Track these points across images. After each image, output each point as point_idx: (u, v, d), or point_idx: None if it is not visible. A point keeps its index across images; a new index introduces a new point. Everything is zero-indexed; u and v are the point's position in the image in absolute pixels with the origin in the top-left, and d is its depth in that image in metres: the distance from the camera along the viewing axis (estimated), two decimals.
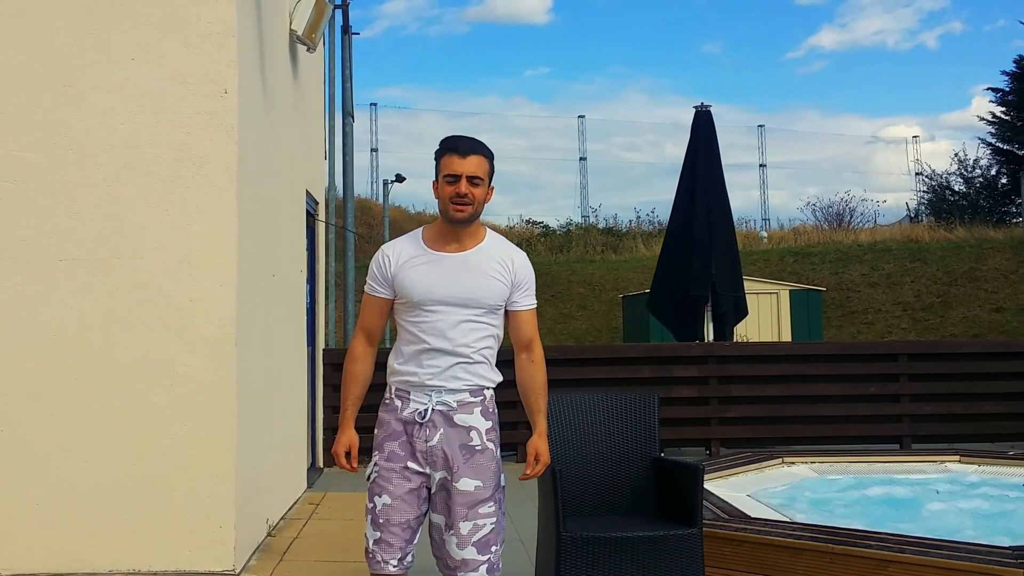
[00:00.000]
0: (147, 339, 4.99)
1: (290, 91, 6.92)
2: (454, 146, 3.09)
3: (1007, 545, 4.03)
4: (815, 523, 4.68)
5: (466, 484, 3.06)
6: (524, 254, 3.25)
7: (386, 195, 21.78)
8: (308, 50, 7.05)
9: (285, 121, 6.72)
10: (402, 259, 3.14)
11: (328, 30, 10.74)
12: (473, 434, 3.10)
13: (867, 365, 9.23)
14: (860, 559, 4.03)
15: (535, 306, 3.23)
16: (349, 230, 11.79)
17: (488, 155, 3.12)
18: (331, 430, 8.65)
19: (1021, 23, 33.76)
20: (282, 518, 6.38)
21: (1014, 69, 31.12)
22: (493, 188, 3.16)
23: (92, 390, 4.97)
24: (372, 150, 40.93)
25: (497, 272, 3.12)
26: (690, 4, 68.23)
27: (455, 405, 3.10)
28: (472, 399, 3.11)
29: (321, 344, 8.78)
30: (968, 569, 3.80)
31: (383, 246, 3.25)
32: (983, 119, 32.39)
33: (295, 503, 6.95)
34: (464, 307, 3.08)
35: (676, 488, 4.12)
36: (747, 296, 10.07)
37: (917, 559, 3.92)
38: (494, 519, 3.09)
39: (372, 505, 3.15)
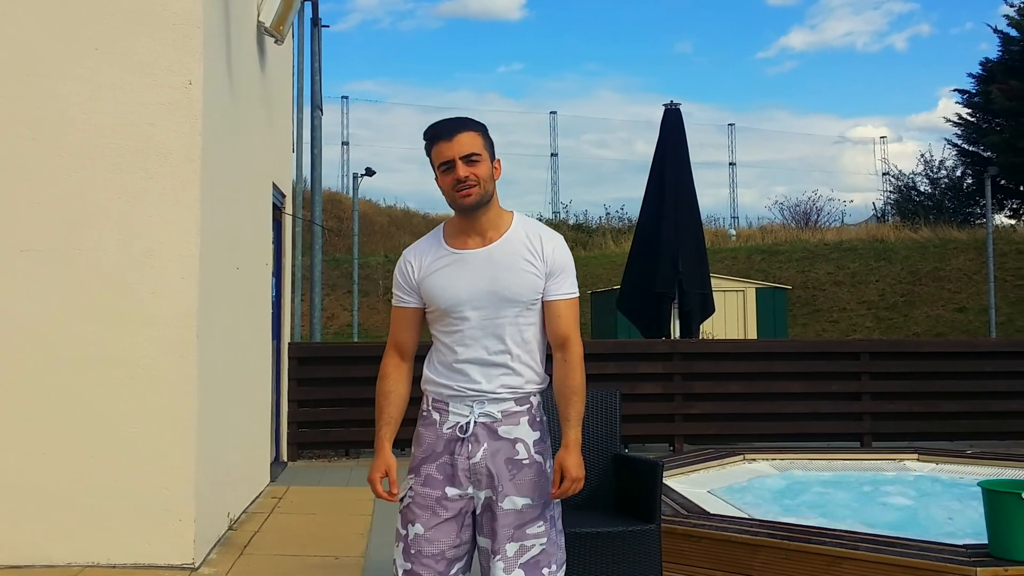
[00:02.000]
0: (107, 331, 4.95)
1: (257, 83, 6.88)
2: (437, 133, 2.78)
3: (961, 543, 4.10)
4: (772, 520, 4.73)
5: (512, 503, 2.75)
6: (559, 236, 2.87)
7: (355, 189, 21.65)
8: (276, 42, 7.01)
9: (252, 113, 6.67)
10: (425, 263, 2.83)
11: (297, 22, 10.68)
12: (520, 447, 2.78)
13: (829, 363, 9.33)
14: (815, 555, 4.08)
15: (574, 295, 2.84)
16: (316, 223, 11.74)
17: (479, 128, 2.80)
18: (295, 424, 8.63)
19: (988, 26, 34.20)
20: (244, 512, 6.36)
21: (980, 72, 31.53)
22: (500, 161, 2.83)
23: (51, 382, 4.93)
24: (343, 143, 40.67)
25: (527, 262, 2.77)
26: (663, 2, 68.49)
27: (499, 416, 2.78)
28: (518, 408, 2.80)
29: (287, 338, 8.74)
30: (922, 567, 3.85)
31: (405, 251, 2.93)
32: (949, 121, 32.80)
33: (257, 497, 6.92)
34: (496, 309, 2.76)
35: (636, 484, 4.15)
36: (714, 294, 10.15)
37: (871, 556, 3.98)
38: (544, 539, 2.77)
39: (404, 532, 2.82)
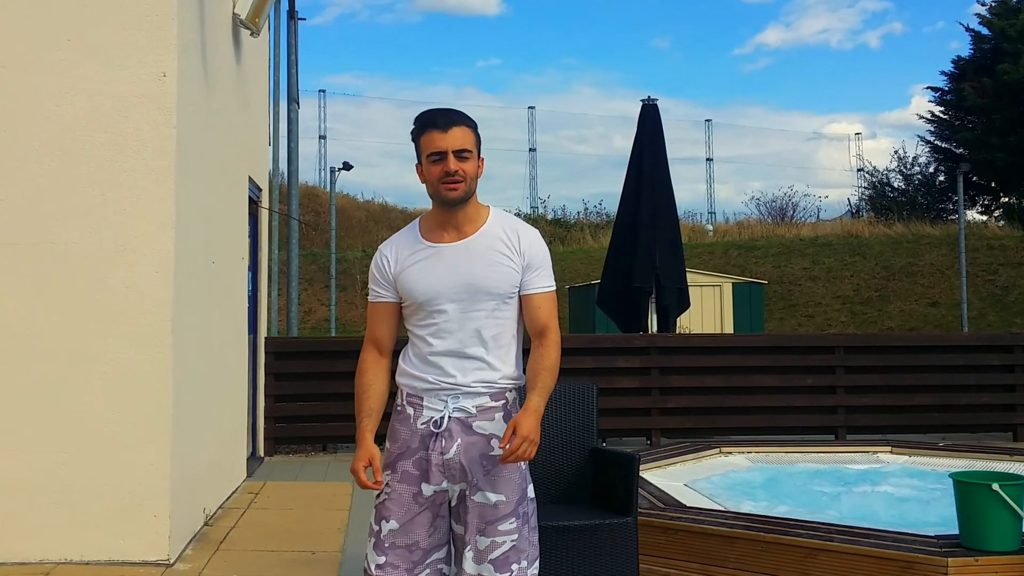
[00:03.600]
0: (81, 326, 4.91)
1: (233, 76, 6.83)
2: (432, 121, 2.75)
3: (932, 534, 4.15)
4: (748, 512, 4.76)
5: (484, 498, 2.75)
6: (535, 231, 2.88)
7: (333, 183, 21.53)
8: (252, 35, 6.96)
9: (227, 106, 6.63)
10: (401, 257, 2.83)
11: (273, 15, 10.61)
12: (495, 443, 2.77)
13: (804, 357, 9.39)
14: (790, 547, 4.12)
15: (552, 288, 2.85)
16: (293, 217, 11.68)
17: (471, 124, 2.79)
18: (272, 419, 8.59)
19: (959, 24, 34.53)
20: (220, 507, 6.33)
21: (952, 69, 31.74)
22: (483, 159, 2.82)
23: (23, 378, 4.88)
24: (321, 137, 40.51)
25: (503, 256, 2.79)
26: None
27: (474, 411, 2.77)
28: (493, 403, 2.79)
29: (263, 333, 8.70)
30: (895, 557, 3.90)
31: (381, 246, 2.92)
32: (922, 118, 32.98)
33: (234, 492, 6.88)
34: (472, 302, 2.76)
35: (613, 477, 4.17)
36: (691, 289, 10.19)
37: (845, 547, 4.02)
38: (515, 536, 2.77)
39: (378, 528, 2.81)
